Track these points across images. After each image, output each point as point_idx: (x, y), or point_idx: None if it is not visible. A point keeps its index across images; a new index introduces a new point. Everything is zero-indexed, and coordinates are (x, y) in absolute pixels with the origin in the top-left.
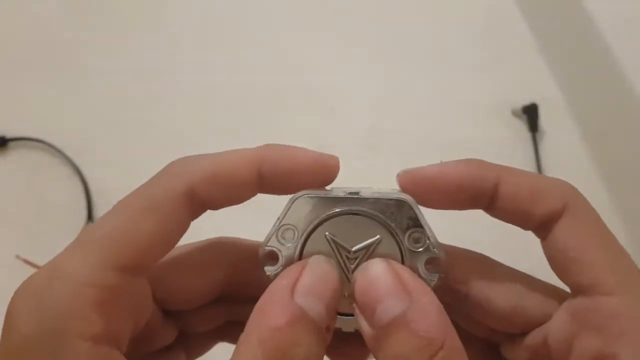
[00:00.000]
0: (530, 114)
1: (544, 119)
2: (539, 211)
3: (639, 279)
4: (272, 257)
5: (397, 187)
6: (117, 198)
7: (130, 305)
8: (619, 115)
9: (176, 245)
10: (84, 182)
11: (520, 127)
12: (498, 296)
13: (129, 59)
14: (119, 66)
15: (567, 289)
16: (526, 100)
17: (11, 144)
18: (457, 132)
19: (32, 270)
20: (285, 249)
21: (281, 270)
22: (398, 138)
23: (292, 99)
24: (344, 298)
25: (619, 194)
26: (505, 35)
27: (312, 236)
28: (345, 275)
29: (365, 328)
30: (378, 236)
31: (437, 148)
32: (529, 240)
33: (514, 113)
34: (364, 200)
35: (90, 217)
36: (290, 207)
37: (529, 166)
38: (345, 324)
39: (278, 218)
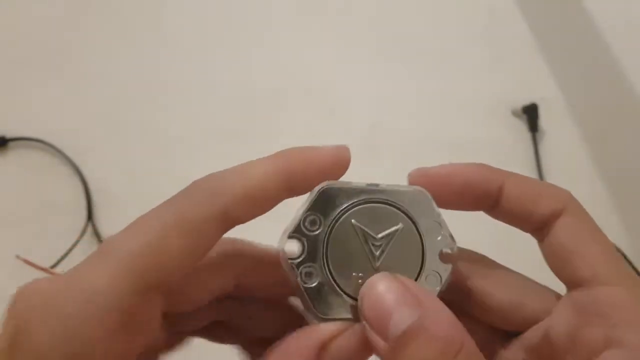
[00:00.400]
0: (530, 114)
1: (544, 119)
2: (539, 212)
3: (633, 273)
4: (295, 247)
5: (411, 185)
6: (117, 198)
7: (149, 323)
8: (619, 115)
9: None
10: (84, 182)
11: (520, 127)
12: (498, 291)
13: (129, 59)
14: (118, 66)
15: (561, 292)
16: (526, 100)
17: (11, 144)
18: (457, 132)
19: (32, 270)
20: (310, 238)
21: (304, 260)
22: (398, 138)
23: (292, 99)
24: (361, 285)
25: (619, 194)
26: (505, 35)
27: (338, 224)
28: (370, 262)
29: (379, 343)
30: (401, 224)
31: (437, 148)
32: (527, 245)
33: (514, 113)
34: (385, 191)
35: (90, 217)
36: (315, 197)
37: (529, 166)
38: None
39: (301, 208)
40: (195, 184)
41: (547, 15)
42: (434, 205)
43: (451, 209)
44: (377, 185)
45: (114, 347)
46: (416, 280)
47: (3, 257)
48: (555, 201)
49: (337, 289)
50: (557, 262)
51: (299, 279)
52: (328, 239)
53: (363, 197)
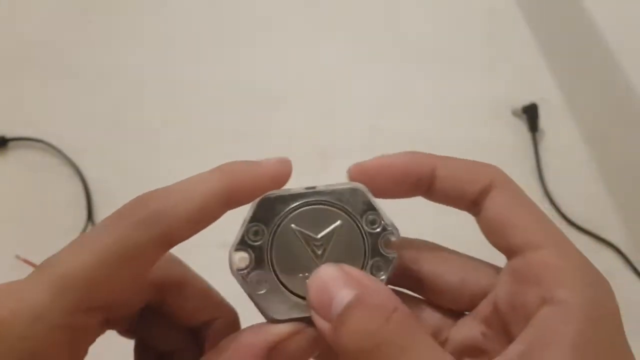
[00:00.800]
0: (530, 114)
1: (544, 119)
2: (471, 189)
3: (562, 235)
4: (242, 258)
5: (348, 182)
6: (117, 198)
7: (92, 333)
8: (618, 115)
9: None
10: (84, 182)
11: (520, 127)
12: (446, 271)
13: (129, 59)
14: (118, 66)
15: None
16: (526, 100)
17: (11, 144)
18: (457, 132)
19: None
20: (255, 248)
21: (252, 269)
22: (398, 138)
23: (293, 99)
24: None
25: (619, 194)
26: (505, 35)
27: (279, 230)
28: (315, 262)
29: (323, 325)
30: (339, 221)
31: (437, 148)
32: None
33: (514, 113)
34: (322, 192)
35: (90, 217)
36: (255, 208)
37: (529, 166)
38: (306, 309)
39: (244, 220)
40: (137, 202)
41: (547, 15)
42: (371, 198)
43: (391, 197)
44: (314, 187)
45: None
46: (362, 270)
47: (3, 257)
48: (484, 177)
49: (286, 291)
50: (492, 234)
51: (248, 288)
52: (271, 246)
53: (301, 201)
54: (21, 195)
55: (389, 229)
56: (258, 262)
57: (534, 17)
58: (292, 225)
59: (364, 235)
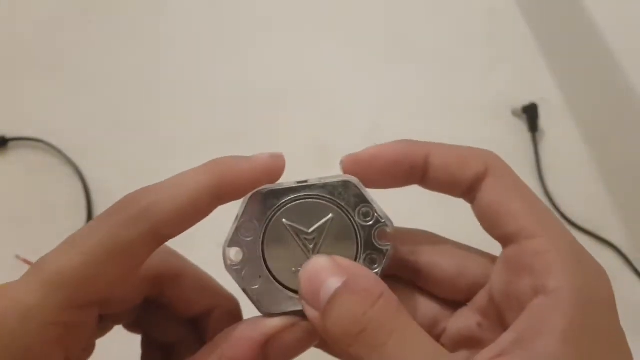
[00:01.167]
0: (530, 114)
1: (544, 119)
2: (465, 176)
3: (556, 221)
4: (236, 253)
5: (340, 174)
6: (117, 198)
7: (86, 330)
8: (618, 115)
9: None
10: (84, 182)
11: (520, 127)
12: (443, 261)
13: (129, 59)
14: (118, 66)
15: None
16: (526, 100)
17: (11, 144)
18: (457, 132)
19: None
20: (248, 243)
21: (245, 264)
22: (398, 138)
23: (293, 99)
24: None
25: (618, 194)
26: (505, 35)
27: (270, 225)
28: (307, 256)
29: (314, 315)
30: (331, 215)
31: None
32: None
33: (514, 113)
34: (313, 186)
35: (90, 217)
36: (246, 204)
37: (529, 166)
38: (298, 303)
39: (237, 216)
40: (127, 200)
41: (547, 15)
42: (363, 190)
43: (386, 187)
44: (306, 181)
45: (54, 358)
46: (355, 261)
47: (3, 257)
48: (478, 163)
49: (279, 286)
50: (487, 222)
51: (242, 283)
52: (264, 241)
53: (292, 195)
54: (21, 195)
55: (382, 220)
56: (251, 257)
57: (534, 17)
58: (284, 220)
59: (357, 228)
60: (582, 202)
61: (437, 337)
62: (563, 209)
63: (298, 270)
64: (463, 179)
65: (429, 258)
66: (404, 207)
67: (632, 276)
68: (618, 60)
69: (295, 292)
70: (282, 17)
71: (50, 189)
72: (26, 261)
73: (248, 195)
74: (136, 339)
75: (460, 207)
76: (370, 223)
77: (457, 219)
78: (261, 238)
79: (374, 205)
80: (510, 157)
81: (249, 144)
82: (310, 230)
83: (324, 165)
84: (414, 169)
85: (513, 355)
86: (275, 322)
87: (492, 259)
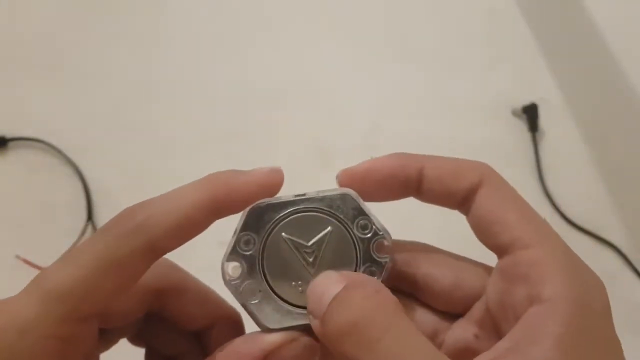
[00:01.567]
0: (530, 114)
1: (544, 119)
2: (459, 187)
3: (551, 231)
4: (235, 268)
5: (338, 187)
6: (117, 198)
7: (86, 343)
8: (618, 115)
9: None
10: (84, 182)
11: (520, 127)
12: (440, 273)
13: (129, 59)
14: (118, 66)
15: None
16: (526, 100)
17: (11, 144)
18: (457, 132)
19: (32, 270)
20: (246, 258)
21: (244, 278)
22: (398, 138)
23: (292, 99)
24: (301, 293)
25: (618, 194)
26: (505, 35)
27: (269, 239)
28: (306, 270)
29: (316, 325)
30: (330, 228)
31: (436, 148)
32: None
33: (514, 113)
34: (311, 199)
35: (90, 217)
36: (245, 217)
37: (529, 166)
38: (298, 317)
39: (235, 230)
40: (124, 214)
41: (547, 15)
42: (362, 203)
43: (382, 200)
44: (304, 194)
45: None
46: None
47: (3, 257)
48: (472, 175)
49: (279, 300)
50: (482, 233)
51: (241, 298)
52: (263, 255)
53: (290, 208)
54: (21, 195)
55: (381, 233)
56: (250, 271)
57: (534, 17)
58: (283, 234)
59: (355, 240)
60: (582, 202)
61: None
62: (563, 209)
63: (299, 284)
64: (457, 191)
65: (426, 270)
66: (402, 209)
67: (632, 276)
68: (618, 60)
69: (295, 306)
70: (282, 17)
71: (50, 189)
72: (26, 261)
73: (246, 209)
74: (140, 352)
75: (452, 217)
76: (369, 235)
77: (455, 222)
78: (260, 252)
79: (372, 218)
80: (510, 157)
81: (249, 144)
82: (310, 243)
83: (324, 164)
84: (409, 181)
85: None
86: (275, 338)
87: (489, 270)
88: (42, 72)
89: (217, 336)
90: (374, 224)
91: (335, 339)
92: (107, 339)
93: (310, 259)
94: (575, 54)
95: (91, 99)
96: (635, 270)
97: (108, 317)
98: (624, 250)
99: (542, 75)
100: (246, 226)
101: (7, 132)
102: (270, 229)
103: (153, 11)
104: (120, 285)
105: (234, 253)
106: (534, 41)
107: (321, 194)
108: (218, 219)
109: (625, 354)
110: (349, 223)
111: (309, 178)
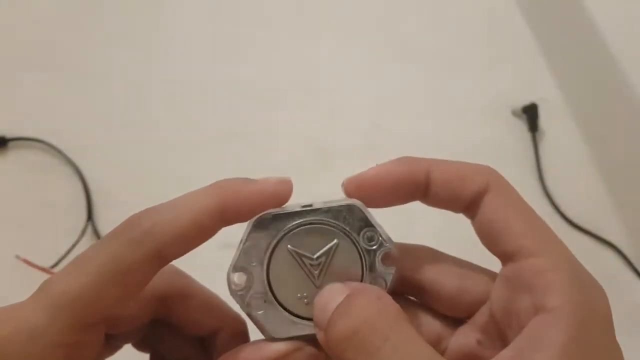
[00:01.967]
0: (530, 114)
1: (544, 119)
2: (466, 192)
3: (556, 240)
4: (240, 278)
5: (344, 198)
6: (117, 198)
7: (92, 349)
8: (618, 115)
9: None
10: (84, 182)
11: (520, 127)
12: (445, 279)
13: (129, 59)
14: (118, 66)
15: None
16: (526, 100)
17: (11, 144)
18: (457, 132)
19: (32, 270)
20: (252, 268)
21: (250, 289)
22: (398, 138)
23: (293, 99)
24: (307, 305)
25: (618, 194)
26: (505, 35)
27: (275, 251)
28: (312, 282)
29: (321, 336)
30: (336, 240)
31: (437, 148)
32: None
33: (514, 113)
34: (318, 210)
35: (90, 217)
36: (251, 228)
37: (529, 166)
38: (303, 328)
39: (241, 240)
40: (131, 221)
41: (547, 15)
42: (368, 214)
43: (388, 206)
44: (310, 205)
45: None
46: None
47: (3, 257)
48: (479, 180)
49: (284, 311)
50: (486, 239)
51: (247, 308)
52: (268, 266)
53: (297, 220)
54: (21, 195)
55: (387, 244)
56: (256, 282)
57: (534, 17)
58: (288, 246)
59: (362, 252)
60: (582, 202)
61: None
62: (563, 209)
63: (304, 296)
64: (464, 196)
65: (432, 276)
66: (407, 208)
67: (632, 276)
68: (618, 60)
69: (300, 317)
70: (282, 17)
71: (50, 189)
72: (26, 261)
73: (253, 220)
74: (144, 358)
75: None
76: (375, 247)
77: (460, 224)
78: (266, 263)
79: (378, 229)
80: (510, 157)
81: (249, 144)
82: (316, 256)
83: (324, 164)
84: (416, 186)
85: None
86: (279, 347)
87: (493, 276)
88: (42, 72)
89: (222, 342)
90: (380, 235)
91: (337, 345)
92: (112, 344)
93: (316, 272)
94: (575, 54)
95: (91, 99)
96: (635, 270)
97: (114, 322)
98: (624, 250)
99: (542, 75)
100: (252, 237)
101: (7, 132)
102: (276, 241)
103: (153, 11)
104: (127, 292)
105: (239, 263)
106: (534, 41)
107: (327, 205)
108: (225, 226)
109: (626, 354)
110: (355, 235)
111: (309, 178)
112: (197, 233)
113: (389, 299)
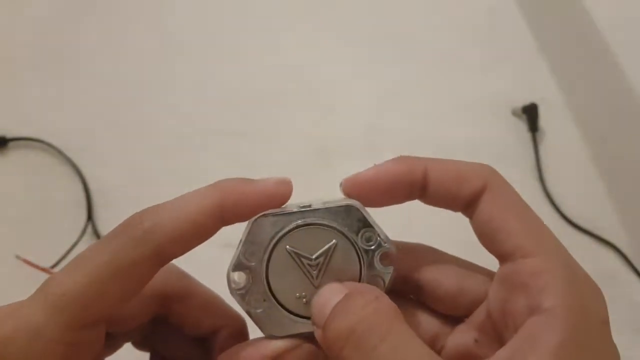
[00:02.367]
0: (530, 114)
1: (544, 119)
2: (464, 191)
3: (554, 240)
4: (240, 277)
5: (342, 198)
6: (117, 198)
7: (93, 347)
8: (618, 115)
9: None
10: (84, 182)
11: (520, 127)
12: (444, 278)
13: (129, 59)
14: (118, 66)
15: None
16: (526, 100)
17: (11, 144)
18: (457, 132)
19: (32, 270)
20: (252, 268)
21: (249, 288)
22: (397, 138)
23: (292, 98)
24: (306, 304)
25: (618, 194)
26: (505, 35)
27: (274, 252)
28: (310, 282)
29: (319, 334)
30: (334, 240)
31: (436, 148)
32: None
33: (514, 113)
34: (316, 211)
35: (90, 217)
36: (250, 228)
37: (529, 166)
38: (302, 327)
39: (240, 240)
40: (131, 220)
41: (547, 15)
42: (366, 214)
43: (386, 205)
44: (309, 206)
45: None
46: None
47: (3, 257)
48: (477, 178)
49: (284, 310)
50: (484, 238)
51: (246, 306)
52: (267, 266)
53: (295, 221)
54: (21, 195)
55: (385, 244)
56: (255, 281)
57: (534, 17)
58: (287, 247)
59: (360, 252)
60: (582, 202)
61: (437, 354)
62: (563, 209)
63: (303, 296)
64: (461, 195)
65: (431, 275)
66: (405, 207)
67: (632, 276)
68: (618, 60)
69: (299, 316)
70: (282, 17)
71: (50, 189)
72: (26, 261)
73: (252, 220)
74: (145, 357)
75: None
76: (373, 247)
77: (459, 219)
78: (265, 263)
79: (377, 229)
80: (510, 157)
81: (249, 144)
82: (314, 256)
83: (323, 164)
84: (415, 186)
85: None
86: (279, 344)
87: (492, 275)
88: (42, 72)
89: (222, 341)
90: (378, 235)
91: (334, 344)
92: (112, 343)
93: (315, 272)
94: (575, 54)
95: (91, 99)
96: (635, 270)
97: (114, 322)
98: (624, 250)
99: (542, 75)
100: (251, 237)
101: (7, 132)
102: (275, 242)
103: (153, 11)
104: (127, 291)
105: (239, 263)
106: (534, 41)
107: (326, 205)
108: (225, 226)
109: (626, 353)
110: (354, 235)
111: (309, 178)
112: (197, 233)
113: (386, 298)
